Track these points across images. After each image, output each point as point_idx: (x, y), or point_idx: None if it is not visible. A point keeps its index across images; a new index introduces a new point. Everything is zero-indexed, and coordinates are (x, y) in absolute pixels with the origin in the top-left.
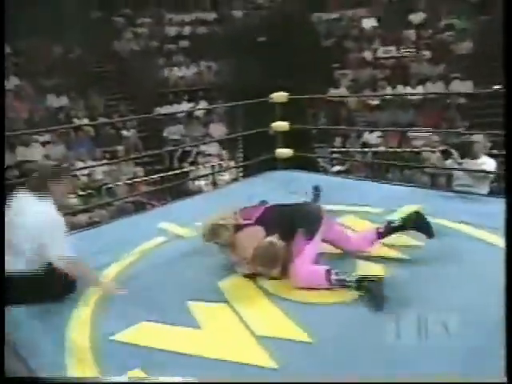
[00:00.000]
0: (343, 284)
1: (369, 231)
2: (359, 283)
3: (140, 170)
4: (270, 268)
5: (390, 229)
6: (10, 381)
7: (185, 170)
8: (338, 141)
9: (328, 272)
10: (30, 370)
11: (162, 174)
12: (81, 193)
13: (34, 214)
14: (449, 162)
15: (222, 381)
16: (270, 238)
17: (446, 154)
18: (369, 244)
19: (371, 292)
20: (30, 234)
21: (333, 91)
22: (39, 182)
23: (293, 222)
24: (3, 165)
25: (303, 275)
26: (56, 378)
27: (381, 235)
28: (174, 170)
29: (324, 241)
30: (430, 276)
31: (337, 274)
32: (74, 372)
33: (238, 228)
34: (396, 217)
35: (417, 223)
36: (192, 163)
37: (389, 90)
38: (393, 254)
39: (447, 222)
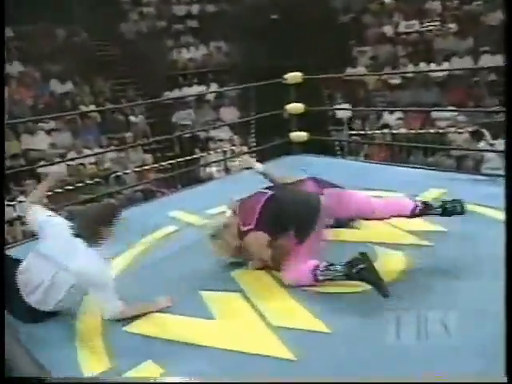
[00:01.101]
0: (331, 279)
1: (402, 202)
2: (347, 275)
3: (149, 157)
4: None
5: (428, 210)
6: (10, 381)
7: (195, 156)
8: (356, 123)
9: (314, 270)
10: (40, 366)
11: (171, 161)
12: (88, 181)
13: (84, 262)
14: (481, 145)
15: (225, 381)
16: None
17: (477, 136)
18: (394, 212)
19: (365, 280)
20: (76, 279)
21: (350, 70)
22: (89, 226)
23: (287, 222)
24: (3, 165)
25: (290, 277)
26: (57, 378)
27: (414, 212)
28: (184, 156)
29: (339, 219)
30: (450, 267)
31: (323, 270)
32: (85, 364)
33: (242, 235)
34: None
35: (454, 211)
36: (203, 149)
37: (411, 68)
38: (414, 240)
39: (474, 207)
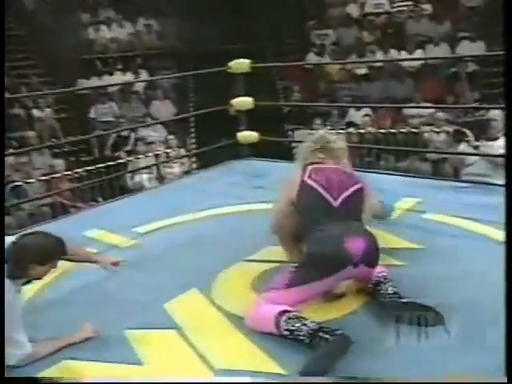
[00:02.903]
0: (294, 336)
1: None
2: (311, 338)
3: (60, 163)
4: None
5: None
6: (10, 381)
7: (120, 161)
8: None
9: (279, 317)
10: None
11: (89, 168)
12: None
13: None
14: (462, 146)
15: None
16: None
17: (458, 136)
18: None
19: (321, 354)
20: None
21: (311, 57)
22: (20, 266)
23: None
24: (3, 165)
25: (252, 318)
26: (57, 378)
27: None
28: (105, 161)
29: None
30: (426, 285)
31: (288, 321)
32: None
33: None
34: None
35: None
36: (130, 152)
37: (379, 56)
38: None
39: (453, 219)
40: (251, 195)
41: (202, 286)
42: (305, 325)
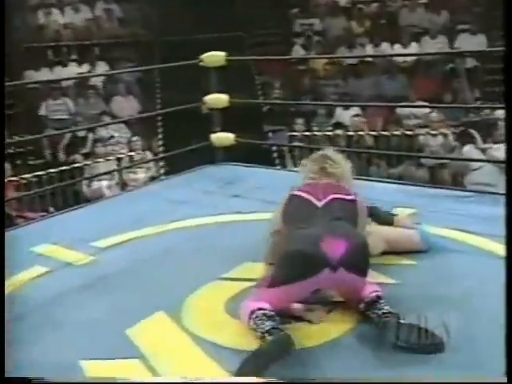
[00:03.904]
0: (257, 331)
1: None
2: (269, 333)
3: (4, 167)
4: None
5: None
6: (10, 381)
7: (76, 165)
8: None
9: (253, 311)
10: None
11: (39, 173)
12: None
13: None
14: (467, 148)
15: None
16: None
17: (464, 137)
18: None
19: (262, 349)
20: None
21: (297, 50)
22: None
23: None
24: (3, 165)
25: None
26: (57, 378)
27: None
28: (58, 165)
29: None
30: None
31: (258, 317)
32: None
33: None
34: None
35: None
36: (87, 155)
37: (370, 49)
38: (374, 276)
39: (452, 233)
40: (226, 205)
41: (169, 308)
42: (263, 324)
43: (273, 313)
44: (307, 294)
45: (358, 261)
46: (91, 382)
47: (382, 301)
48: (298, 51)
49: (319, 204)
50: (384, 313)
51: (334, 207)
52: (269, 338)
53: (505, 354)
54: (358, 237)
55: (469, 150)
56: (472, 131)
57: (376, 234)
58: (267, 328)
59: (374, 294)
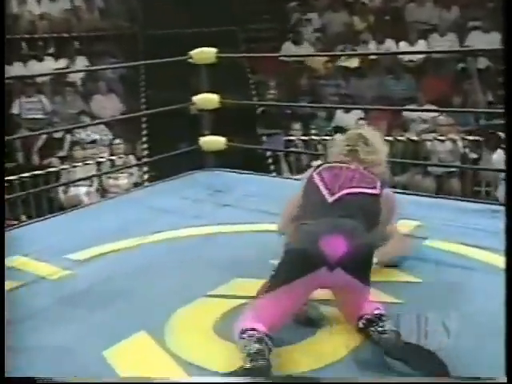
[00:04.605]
0: (243, 352)
1: None
2: (250, 358)
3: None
4: None
5: None
6: (10, 381)
7: (51, 169)
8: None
9: (244, 330)
10: None
11: (10, 177)
12: None
13: None
14: (496, 157)
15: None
16: None
17: (493, 141)
18: None
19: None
20: None
21: (288, 47)
22: None
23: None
24: (3, 165)
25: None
26: (57, 378)
27: None
28: (32, 169)
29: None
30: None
31: (247, 337)
32: None
33: None
34: None
35: None
36: (64, 158)
37: (373, 47)
38: (376, 295)
39: (459, 248)
40: (215, 215)
41: (152, 327)
42: (249, 346)
43: (262, 335)
44: (308, 294)
45: (358, 263)
46: (91, 382)
47: (384, 318)
48: (288, 47)
49: (330, 199)
50: (385, 330)
51: (347, 203)
52: (247, 364)
53: (505, 354)
54: (363, 237)
55: (498, 159)
56: (500, 134)
57: (399, 237)
58: (251, 351)
59: (377, 312)
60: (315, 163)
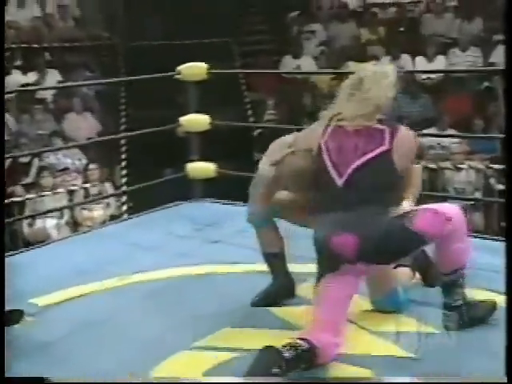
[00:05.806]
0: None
1: None
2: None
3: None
4: None
5: None
6: (10, 381)
7: (15, 199)
8: None
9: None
10: None
11: None
12: None
13: None
14: None
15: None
16: None
17: None
18: None
19: None
20: None
21: (289, 61)
22: None
23: None
24: (3, 165)
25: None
26: (57, 378)
27: None
28: None
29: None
30: None
31: (287, 352)
32: None
33: None
34: None
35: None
36: (31, 186)
37: (386, 63)
38: (388, 349)
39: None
40: (203, 253)
41: None
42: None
43: (307, 352)
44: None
45: (374, 252)
46: (91, 382)
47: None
48: (289, 62)
49: (339, 182)
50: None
51: (357, 184)
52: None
53: (505, 354)
54: (375, 223)
55: None
56: None
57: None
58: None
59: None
60: (322, 114)
